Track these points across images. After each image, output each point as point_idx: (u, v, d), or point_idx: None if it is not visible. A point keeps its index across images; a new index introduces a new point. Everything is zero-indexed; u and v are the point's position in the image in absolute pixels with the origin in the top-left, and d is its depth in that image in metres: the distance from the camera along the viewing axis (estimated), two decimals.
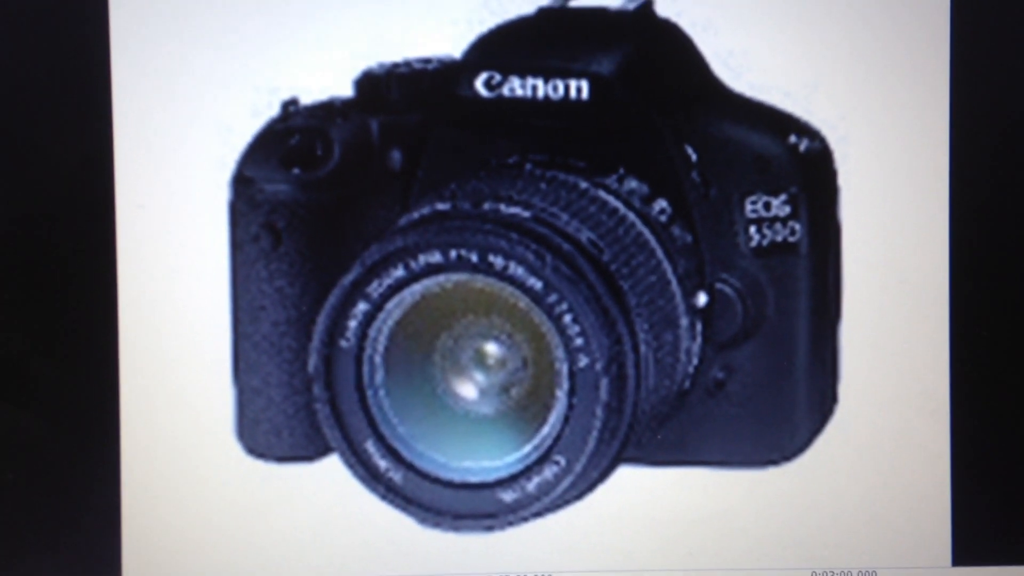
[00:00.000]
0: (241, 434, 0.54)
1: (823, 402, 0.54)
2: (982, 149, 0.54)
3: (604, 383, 0.47)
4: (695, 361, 0.52)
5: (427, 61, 0.53)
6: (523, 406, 0.50)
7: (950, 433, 0.54)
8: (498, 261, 0.47)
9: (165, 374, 0.54)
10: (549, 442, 0.49)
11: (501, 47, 0.52)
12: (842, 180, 0.53)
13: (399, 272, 0.48)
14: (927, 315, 0.54)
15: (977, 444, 0.54)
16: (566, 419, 0.48)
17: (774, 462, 0.54)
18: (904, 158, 0.54)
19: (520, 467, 0.49)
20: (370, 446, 0.49)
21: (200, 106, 0.53)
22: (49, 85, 0.53)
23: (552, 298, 0.47)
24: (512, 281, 0.48)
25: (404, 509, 0.50)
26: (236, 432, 0.54)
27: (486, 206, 0.49)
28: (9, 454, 0.54)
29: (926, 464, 0.54)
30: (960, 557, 0.54)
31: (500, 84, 0.51)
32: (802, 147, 0.52)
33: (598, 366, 0.47)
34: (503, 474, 0.49)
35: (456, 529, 0.50)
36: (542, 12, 0.53)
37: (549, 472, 0.49)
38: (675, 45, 0.53)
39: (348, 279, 0.48)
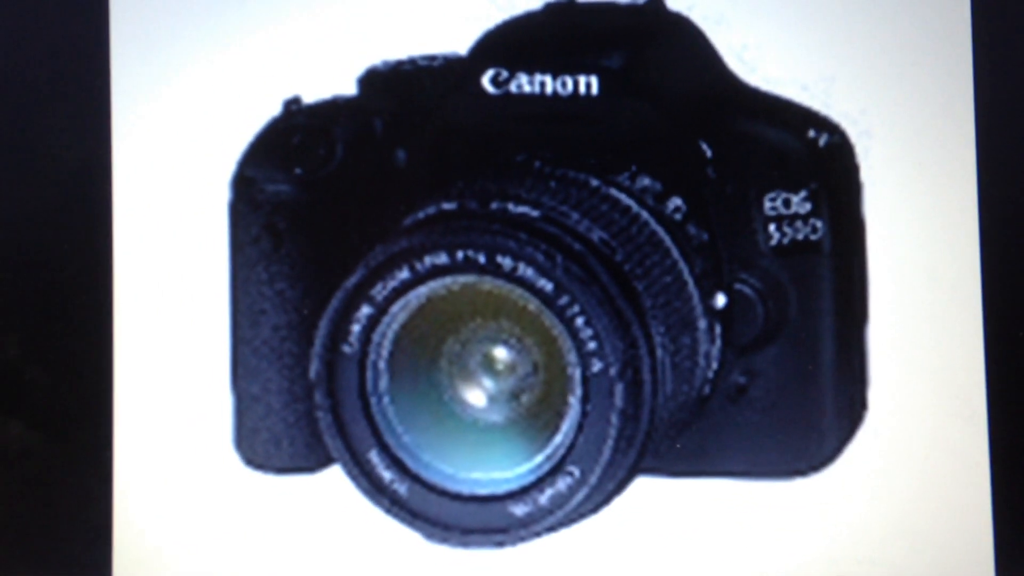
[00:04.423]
0: (239, 444, 0.53)
1: (852, 408, 0.52)
2: (1010, 139, 0.52)
3: (619, 389, 0.46)
4: (715, 365, 0.51)
5: (432, 58, 0.53)
6: (534, 414, 0.48)
7: (988, 439, 0.52)
8: (506, 262, 0.46)
9: (160, 381, 0.53)
10: (562, 452, 0.47)
11: (508, 43, 0.51)
12: (865, 175, 0.52)
13: (404, 274, 0.47)
14: (959, 314, 0.52)
15: (1018, 450, 0.52)
16: (580, 427, 0.46)
17: (801, 472, 0.52)
18: (929, 151, 0.52)
19: (532, 478, 0.47)
20: (374, 456, 0.48)
21: (200, 105, 0.53)
22: (47, 83, 0.53)
23: (563, 300, 0.46)
24: (521, 283, 0.46)
25: (410, 523, 0.48)
26: (234, 442, 0.53)
27: (494, 205, 0.48)
28: None
29: (964, 473, 0.52)
30: (1005, 574, 0.52)
31: (507, 81, 0.51)
32: (821, 141, 0.51)
33: (612, 371, 0.46)
34: (514, 486, 0.47)
35: (465, 545, 0.48)
36: (549, 7, 0.53)
37: (563, 483, 0.47)
38: (687, 39, 0.52)
39: (351, 282, 0.47)
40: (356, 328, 0.47)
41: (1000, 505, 0.52)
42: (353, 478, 0.48)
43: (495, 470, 0.48)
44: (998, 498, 0.52)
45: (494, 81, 0.51)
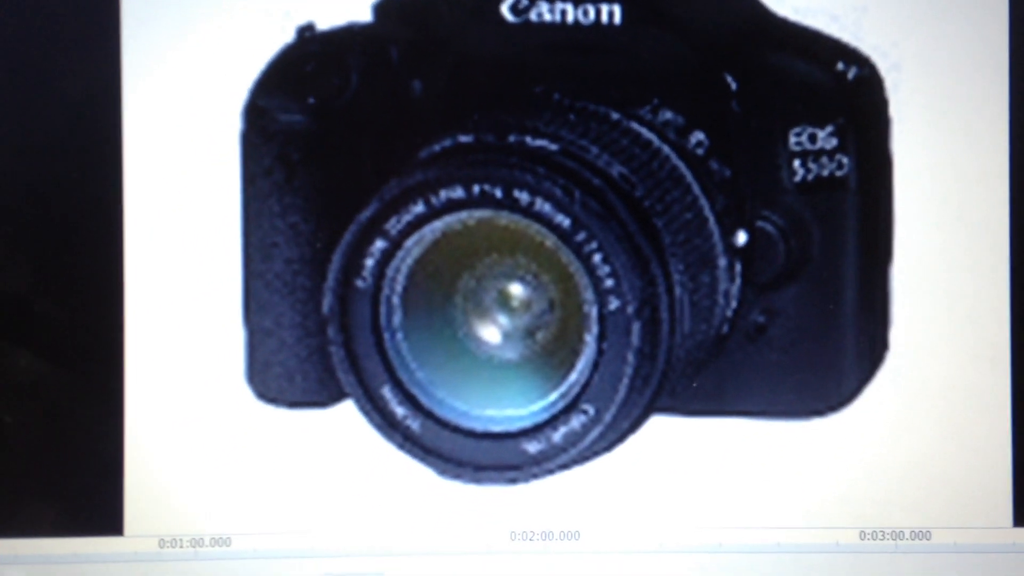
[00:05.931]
0: (251, 378, 0.53)
1: (872, 348, 0.52)
2: None
3: (636, 327, 0.45)
4: (734, 304, 0.50)
5: None
6: (549, 351, 0.48)
7: (1011, 382, 0.51)
8: (523, 197, 0.46)
9: (172, 314, 0.52)
10: (577, 390, 0.47)
11: None
12: (893, 110, 0.51)
13: (419, 208, 0.46)
14: (985, 255, 0.51)
15: None
16: (595, 365, 0.46)
17: (819, 413, 0.51)
18: (960, 86, 0.51)
19: (546, 416, 0.47)
20: (387, 392, 0.48)
21: (211, 32, 0.52)
22: (56, 11, 0.52)
23: (581, 236, 0.45)
24: (538, 218, 0.46)
25: (422, 459, 0.48)
26: (246, 376, 0.53)
27: (511, 138, 0.47)
28: (7, 397, 0.53)
29: (984, 415, 0.51)
30: (1022, 517, 0.51)
31: (527, 8, 0.49)
32: (850, 75, 0.50)
33: (630, 309, 0.45)
34: (528, 423, 0.47)
35: (477, 481, 0.48)
36: None
37: (577, 422, 0.47)
38: None
39: (365, 215, 0.47)
40: (370, 262, 0.47)
41: (1020, 447, 0.51)
42: (366, 413, 0.48)
43: (509, 407, 0.48)
44: (1018, 439, 0.51)
45: (513, 9, 0.49)
